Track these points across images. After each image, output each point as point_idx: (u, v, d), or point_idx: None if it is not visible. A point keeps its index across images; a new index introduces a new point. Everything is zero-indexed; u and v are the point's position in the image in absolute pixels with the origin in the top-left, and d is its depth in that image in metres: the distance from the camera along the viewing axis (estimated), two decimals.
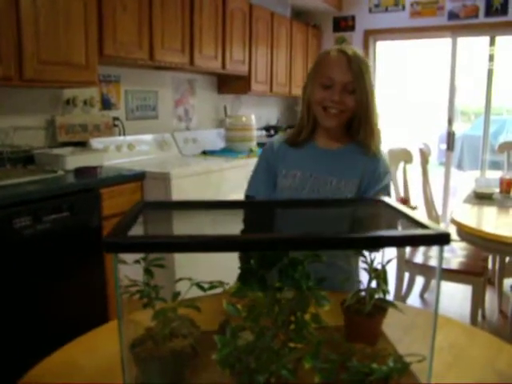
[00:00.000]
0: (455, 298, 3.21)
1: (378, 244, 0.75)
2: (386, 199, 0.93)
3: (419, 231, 0.74)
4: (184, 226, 0.98)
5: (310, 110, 1.48)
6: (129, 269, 0.80)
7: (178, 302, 0.82)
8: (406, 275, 2.96)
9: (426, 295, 3.50)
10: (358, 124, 1.45)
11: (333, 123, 1.44)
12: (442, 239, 0.74)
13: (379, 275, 0.96)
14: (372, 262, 0.96)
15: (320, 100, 1.42)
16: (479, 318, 2.86)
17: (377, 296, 0.98)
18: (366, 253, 0.98)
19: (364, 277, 1.00)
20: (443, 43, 5.00)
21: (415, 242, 0.77)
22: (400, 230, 0.74)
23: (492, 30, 4.59)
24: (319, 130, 1.51)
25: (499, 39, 4.65)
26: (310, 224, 1.02)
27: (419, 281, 3.35)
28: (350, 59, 1.38)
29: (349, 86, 1.38)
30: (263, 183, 1.54)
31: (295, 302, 0.79)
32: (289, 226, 0.80)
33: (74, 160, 2.53)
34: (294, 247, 0.71)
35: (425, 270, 2.81)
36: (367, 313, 0.96)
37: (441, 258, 0.77)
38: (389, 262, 0.97)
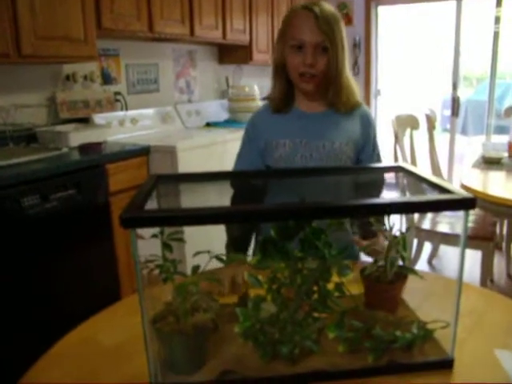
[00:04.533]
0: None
1: (403, 210, 0.73)
2: (405, 165, 0.91)
3: (445, 196, 0.72)
4: (198, 197, 0.96)
5: (282, 73, 1.43)
6: (142, 243, 0.78)
7: (199, 275, 0.80)
8: (414, 242, 2.96)
9: (434, 261, 3.51)
10: (328, 82, 1.41)
11: (310, 87, 1.40)
12: (468, 203, 0.72)
13: (399, 242, 0.95)
14: (391, 228, 0.95)
15: (294, 65, 1.37)
16: (487, 282, 2.87)
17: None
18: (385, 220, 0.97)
19: None
20: (447, 7, 4.88)
21: (441, 207, 0.75)
22: (425, 196, 0.72)
23: None
24: (298, 93, 1.47)
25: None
26: (331, 192, 1.00)
27: (427, 247, 3.35)
28: (317, 16, 1.32)
29: (320, 44, 1.34)
30: (247, 160, 1.51)
31: (318, 272, 0.77)
32: (312, 195, 0.78)
33: (78, 136, 2.50)
34: (319, 216, 0.69)
35: (433, 235, 2.80)
36: (388, 280, 0.95)
37: (466, 222, 0.75)
38: (408, 229, 0.96)
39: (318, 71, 1.36)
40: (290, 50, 1.37)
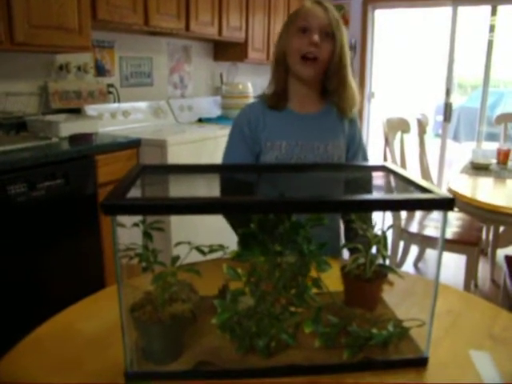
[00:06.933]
0: (449, 267, 3.25)
1: (381, 207, 0.74)
2: (389, 165, 0.91)
3: (424, 195, 0.73)
4: (182, 188, 0.96)
5: (283, 66, 1.40)
6: (127, 233, 0.79)
7: (178, 266, 0.81)
8: (401, 244, 2.98)
9: (419, 264, 3.53)
10: (332, 83, 1.41)
11: (310, 72, 1.37)
12: (447, 204, 0.73)
13: (379, 241, 0.96)
14: (373, 227, 0.95)
15: (298, 47, 1.35)
16: (472, 286, 2.90)
17: (377, 261, 0.98)
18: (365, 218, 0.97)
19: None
20: (443, 14, 4.91)
21: (420, 206, 0.76)
22: (405, 194, 0.73)
23: None
24: (292, 93, 1.45)
25: (501, 8, 4.56)
26: (314, 188, 1.00)
27: (413, 250, 3.37)
28: (326, 8, 1.36)
29: (326, 28, 1.34)
30: (240, 157, 1.46)
31: (296, 267, 0.78)
32: (295, 190, 0.78)
33: (69, 127, 2.49)
34: (302, 210, 0.70)
35: (420, 238, 2.82)
36: (367, 278, 0.96)
37: (444, 222, 0.76)
38: (389, 227, 0.97)
39: (321, 55, 1.35)
40: (295, 34, 1.36)
